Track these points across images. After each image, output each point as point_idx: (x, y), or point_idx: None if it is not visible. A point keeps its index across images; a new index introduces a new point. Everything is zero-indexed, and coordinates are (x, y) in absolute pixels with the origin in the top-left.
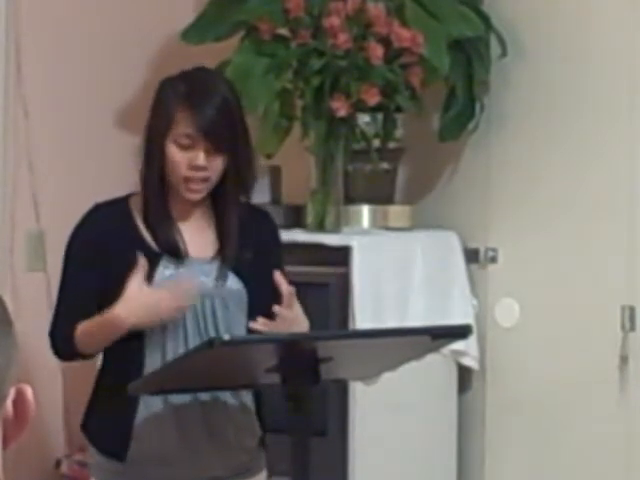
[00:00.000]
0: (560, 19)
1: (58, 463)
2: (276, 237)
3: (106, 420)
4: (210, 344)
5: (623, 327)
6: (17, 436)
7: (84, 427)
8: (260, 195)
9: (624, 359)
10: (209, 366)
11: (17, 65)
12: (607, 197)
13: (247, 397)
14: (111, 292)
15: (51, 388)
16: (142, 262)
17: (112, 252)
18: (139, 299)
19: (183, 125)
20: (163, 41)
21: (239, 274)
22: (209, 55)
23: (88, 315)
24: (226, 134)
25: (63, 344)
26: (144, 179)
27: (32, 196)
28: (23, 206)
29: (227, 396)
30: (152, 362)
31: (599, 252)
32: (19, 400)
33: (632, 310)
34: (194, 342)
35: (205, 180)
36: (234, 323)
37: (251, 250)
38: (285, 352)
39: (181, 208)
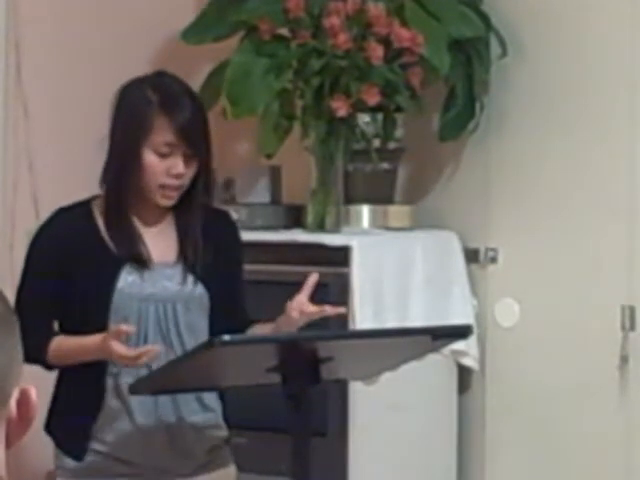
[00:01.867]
0: (560, 19)
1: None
2: (236, 237)
3: (67, 421)
4: (210, 344)
5: (623, 327)
6: (20, 436)
7: (48, 428)
8: (260, 195)
9: (624, 359)
10: (209, 366)
11: (17, 65)
12: (607, 197)
13: (210, 397)
14: (72, 296)
15: (51, 388)
16: (124, 329)
17: (74, 257)
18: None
19: (162, 133)
20: (163, 41)
21: (201, 277)
22: (209, 55)
23: (49, 320)
24: (202, 138)
25: (30, 353)
26: (110, 185)
27: (32, 196)
28: (23, 206)
29: (188, 398)
30: (114, 366)
31: (599, 252)
32: (23, 401)
33: (632, 310)
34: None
35: (180, 187)
36: (196, 327)
37: (212, 252)
38: (285, 352)
39: (145, 212)
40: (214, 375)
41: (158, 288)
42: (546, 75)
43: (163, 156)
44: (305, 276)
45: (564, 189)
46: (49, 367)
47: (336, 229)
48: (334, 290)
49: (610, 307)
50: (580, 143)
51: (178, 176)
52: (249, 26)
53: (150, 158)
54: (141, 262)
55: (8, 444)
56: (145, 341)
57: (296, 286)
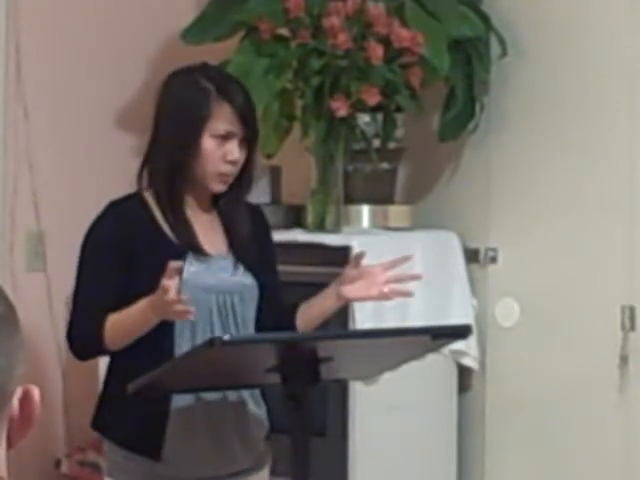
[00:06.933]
0: (560, 19)
1: (58, 463)
2: (269, 232)
3: (137, 419)
4: (210, 344)
5: (623, 327)
6: (22, 436)
7: (100, 426)
8: (260, 195)
9: (624, 359)
10: (209, 366)
11: (17, 65)
12: (607, 197)
13: (257, 391)
14: (135, 288)
15: (51, 388)
16: (176, 266)
17: (134, 248)
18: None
19: (222, 118)
20: (163, 41)
21: (250, 268)
22: (209, 55)
23: (106, 315)
24: (256, 128)
25: (86, 342)
26: (165, 175)
27: (32, 196)
28: (23, 206)
29: (244, 391)
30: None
31: (599, 252)
32: (25, 400)
33: (632, 310)
34: None
35: (234, 174)
36: (248, 318)
37: (255, 244)
38: (285, 352)
39: (192, 205)
40: (214, 375)
41: (217, 279)
42: (546, 75)
43: (221, 142)
44: (305, 276)
45: (564, 189)
46: (108, 352)
47: (336, 229)
48: None
49: (610, 307)
50: (580, 143)
51: (234, 162)
52: (249, 26)
53: (209, 144)
54: (200, 252)
55: (10, 444)
56: (212, 332)
57: (296, 286)
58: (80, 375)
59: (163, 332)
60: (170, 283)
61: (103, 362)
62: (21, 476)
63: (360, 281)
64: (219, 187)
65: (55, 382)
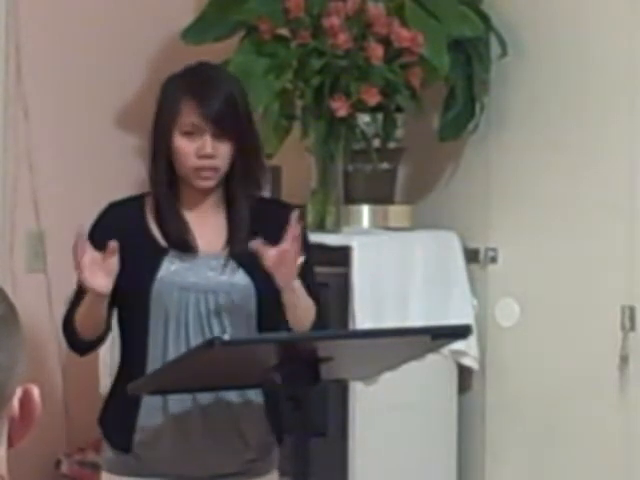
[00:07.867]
0: (560, 19)
1: (58, 463)
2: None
3: (114, 416)
4: (210, 344)
5: (623, 327)
6: (23, 436)
7: (100, 422)
8: None
9: (624, 359)
10: (209, 366)
11: (17, 65)
12: (607, 197)
13: (253, 393)
14: (118, 287)
15: (51, 388)
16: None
17: (121, 249)
18: None
19: (188, 114)
20: (163, 41)
21: (247, 268)
22: (209, 55)
23: None
24: (230, 120)
25: (67, 334)
26: (152, 177)
27: (32, 196)
28: (23, 206)
29: (229, 393)
30: (154, 362)
31: (599, 252)
32: (26, 400)
33: (632, 310)
34: (196, 341)
35: (214, 169)
36: (241, 319)
37: (260, 241)
38: (285, 352)
39: (192, 201)
40: (214, 375)
41: (201, 278)
42: (546, 75)
43: (190, 137)
44: None
45: (564, 189)
46: (88, 342)
47: (336, 229)
48: (334, 290)
49: (610, 307)
50: (580, 143)
51: (207, 157)
52: (249, 26)
53: (179, 140)
54: (187, 251)
55: (11, 443)
56: (186, 331)
57: None
58: (80, 375)
59: (138, 327)
60: (80, 255)
61: (103, 362)
62: (21, 476)
63: (279, 266)
64: (201, 183)
65: (55, 382)
